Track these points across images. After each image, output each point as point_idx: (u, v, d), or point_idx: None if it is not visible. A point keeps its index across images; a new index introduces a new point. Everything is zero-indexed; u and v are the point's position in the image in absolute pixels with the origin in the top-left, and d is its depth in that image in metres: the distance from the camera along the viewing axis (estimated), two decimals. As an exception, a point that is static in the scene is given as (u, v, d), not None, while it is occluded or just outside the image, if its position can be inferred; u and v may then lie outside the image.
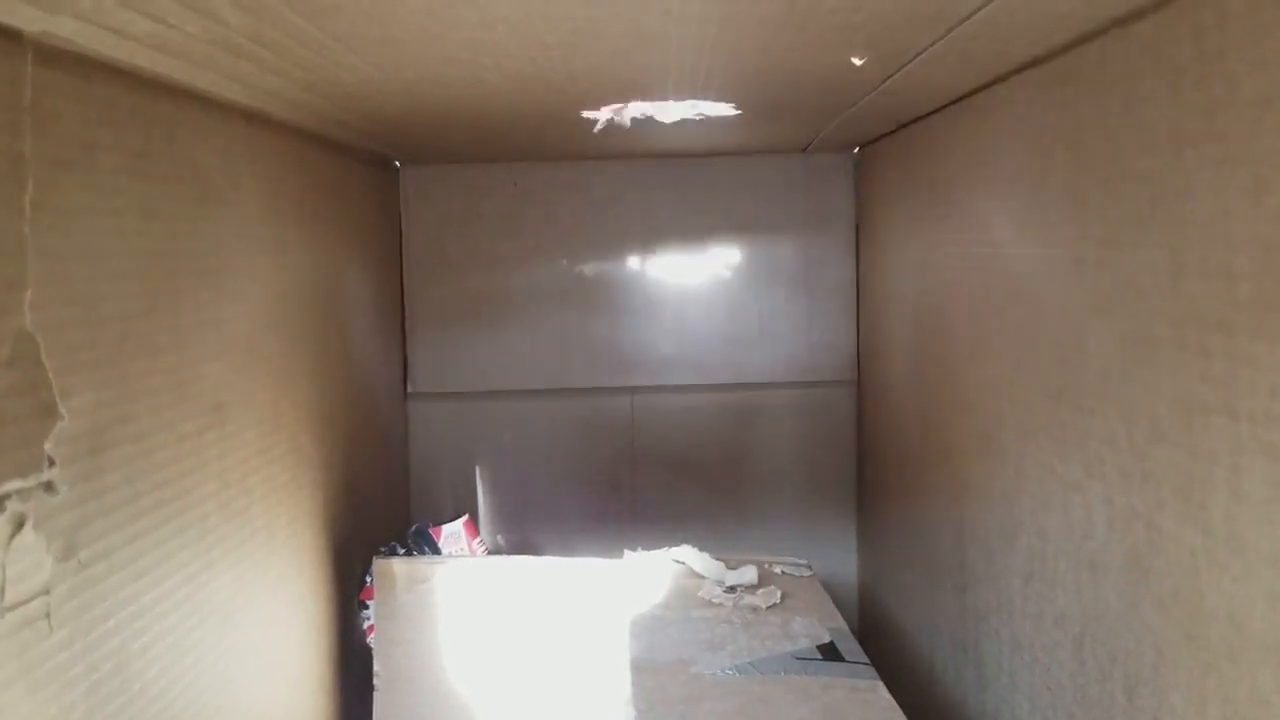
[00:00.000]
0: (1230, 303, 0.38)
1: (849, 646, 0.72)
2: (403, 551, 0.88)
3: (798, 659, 0.70)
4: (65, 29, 0.40)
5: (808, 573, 0.88)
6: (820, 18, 0.47)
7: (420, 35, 0.48)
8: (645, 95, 0.68)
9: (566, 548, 1.10)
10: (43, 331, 0.39)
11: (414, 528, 0.94)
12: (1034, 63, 0.57)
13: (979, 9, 0.45)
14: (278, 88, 0.58)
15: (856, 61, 0.57)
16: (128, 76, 0.47)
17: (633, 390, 1.14)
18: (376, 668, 0.81)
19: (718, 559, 0.87)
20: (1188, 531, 0.42)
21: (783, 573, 0.87)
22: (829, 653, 0.71)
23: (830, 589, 0.87)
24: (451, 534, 0.94)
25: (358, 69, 0.56)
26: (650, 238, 1.13)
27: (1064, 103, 0.54)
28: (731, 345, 1.13)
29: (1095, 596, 0.51)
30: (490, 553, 1.05)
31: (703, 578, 0.85)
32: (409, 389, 1.13)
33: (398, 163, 1.10)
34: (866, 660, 0.70)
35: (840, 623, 0.77)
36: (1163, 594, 0.44)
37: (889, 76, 0.63)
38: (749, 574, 0.84)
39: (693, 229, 1.13)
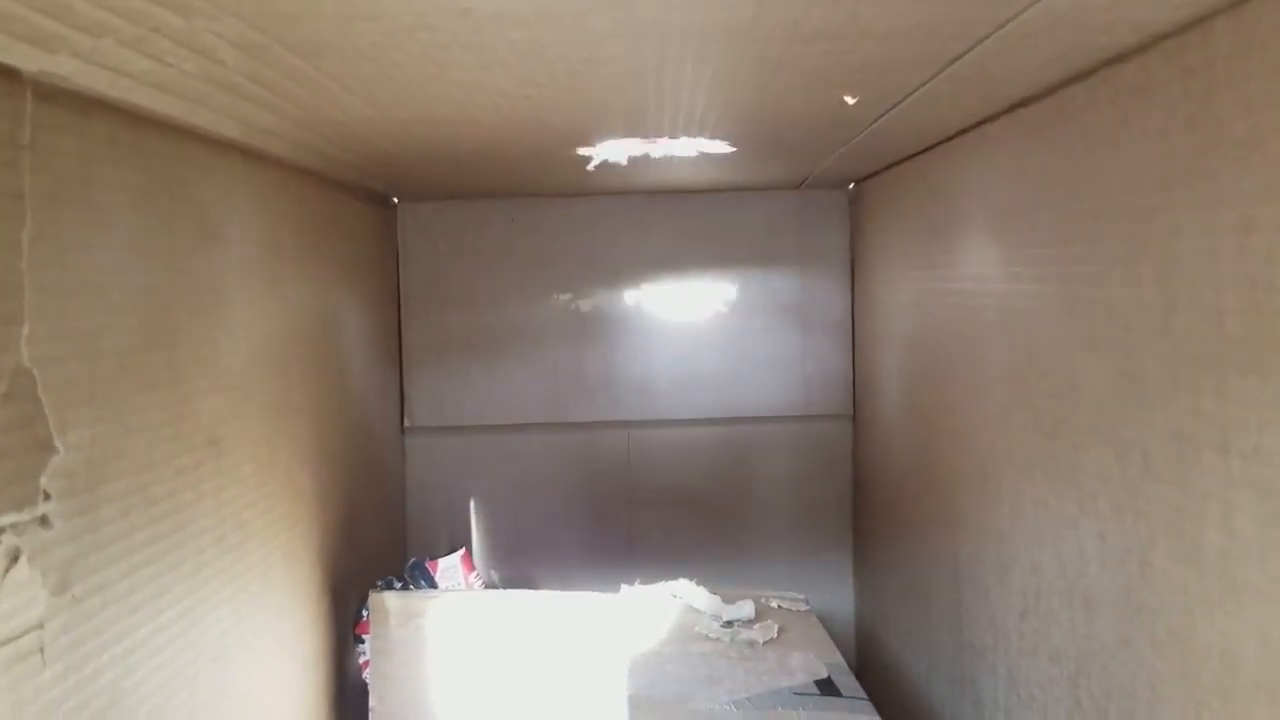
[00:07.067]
0: (1219, 340, 0.39)
1: (846, 682, 0.72)
2: (399, 585, 0.88)
3: (795, 694, 0.69)
4: (64, 68, 0.40)
5: (804, 607, 0.88)
6: (813, 59, 0.48)
7: (417, 76, 0.49)
8: (641, 134, 0.69)
9: (563, 581, 1.10)
10: (40, 366, 0.39)
11: (410, 562, 0.94)
12: (1024, 102, 0.58)
13: (967, 51, 0.46)
14: (274, 125, 0.59)
15: (849, 100, 0.58)
16: (126, 114, 0.48)
17: (629, 424, 1.14)
18: (372, 703, 0.80)
19: (715, 593, 0.87)
20: (1180, 568, 0.42)
21: (780, 607, 0.87)
22: (826, 688, 0.71)
23: (827, 623, 0.87)
24: (448, 568, 0.94)
25: (354, 108, 0.56)
26: (646, 272, 1.13)
27: (1054, 141, 0.54)
28: (727, 379, 1.14)
29: (1090, 633, 0.51)
30: (487, 587, 1.05)
31: (700, 612, 0.85)
32: (405, 423, 1.13)
33: (395, 199, 1.10)
34: (864, 696, 0.70)
35: (837, 658, 0.77)
36: (1156, 631, 0.44)
37: (881, 115, 0.63)
38: (746, 609, 0.84)
39: (689, 264, 1.13)
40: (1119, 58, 0.46)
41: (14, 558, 0.37)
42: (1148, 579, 0.45)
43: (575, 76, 0.50)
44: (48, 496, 0.40)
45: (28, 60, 0.38)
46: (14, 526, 0.37)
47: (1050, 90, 0.54)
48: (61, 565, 0.41)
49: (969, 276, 0.70)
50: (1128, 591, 0.47)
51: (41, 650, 0.39)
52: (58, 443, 0.40)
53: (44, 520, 0.39)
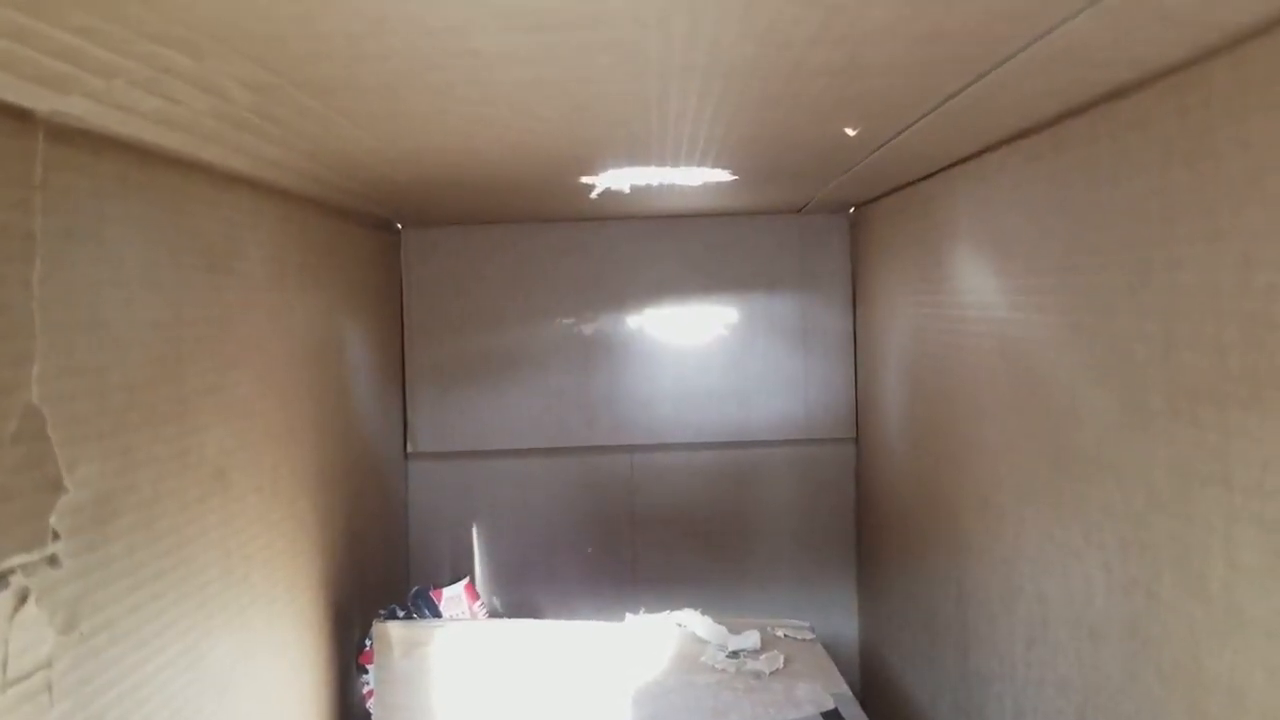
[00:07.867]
0: (1221, 376, 0.39)
1: (853, 712, 0.72)
2: (402, 614, 0.88)
3: (799, 725, 0.69)
4: (76, 108, 0.41)
5: (810, 636, 0.88)
6: (815, 93, 0.48)
7: (424, 111, 0.49)
8: (644, 163, 0.69)
9: (567, 607, 1.10)
10: (49, 404, 0.40)
11: (414, 590, 0.94)
12: (1024, 133, 0.58)
13: (967, 86, 0.46)
14: (281, 158, 0.59)
15: (850, 132, 0.58)
16: (136, 151, 0.48)
17: (631, 449, 1.14)
18: (375, 733, 0.80)
19: (720, 622, 0.87)
20: (1186, 601, 0.42)
21: (785, 636, 0.87)
22: None
23: (831, 649, 0.87)
24: (452, 597, 0.94)
25: (361, 140, 0.57)
26: (648, 297, 1.14)
27: (1055, 172, 0.55)
28: (729, 404, 1.14)
29: (1096, 664, 0.51)
30: (490, 614, 1.04)
31: (705, 642, 0.85)
32: (408, 448, 1.13)
33: (398, 225, 1.11)
34: (869, 726, 0.70)
35: (844, 688, 0.76)
36: (1163, 663, 0.44)
37: (882, 145, 0.64)
38: (751, 638, 0.84)
39: (690, 288, 1.14)
40: (1118, 93, 0.46)
41: (22, 598, 0.37)
42: (1154, 611, 0.45)
43: (579, 110, 0.51)
44: (56, 536, 0.40)
45: (40, 101, 0.39)
46: (23, 567, 0.37)
47: (1050, 122, 0.54)
48: (69, 603, 0.41)
49: (970, 303, 0.70)
50: (1134, 623, 0.47)
51: (50, 689, 0.39)
52: (66, 481, 0.41)
53: (53, 560, 0.39)
